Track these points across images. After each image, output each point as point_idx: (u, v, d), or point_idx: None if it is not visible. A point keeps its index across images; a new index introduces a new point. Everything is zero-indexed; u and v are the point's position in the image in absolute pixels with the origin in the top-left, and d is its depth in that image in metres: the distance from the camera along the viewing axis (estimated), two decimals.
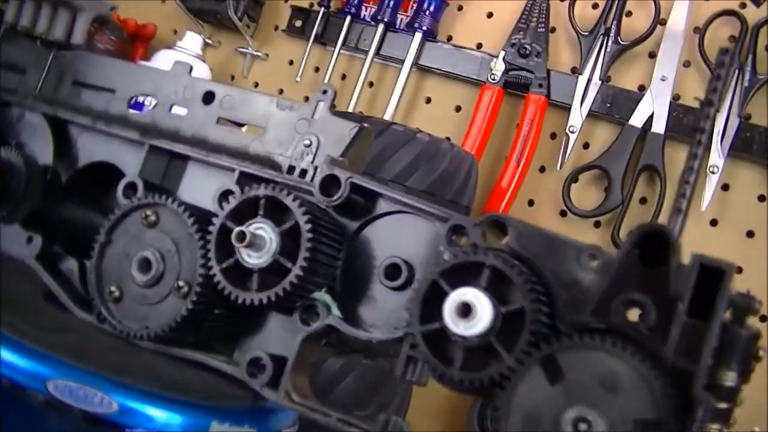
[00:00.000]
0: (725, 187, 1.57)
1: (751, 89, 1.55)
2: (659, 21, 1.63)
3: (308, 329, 0.77)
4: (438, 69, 1.81)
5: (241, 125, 0.94)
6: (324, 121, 0.86)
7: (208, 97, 0.92)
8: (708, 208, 1.54)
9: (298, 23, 1.93)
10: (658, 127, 1.61)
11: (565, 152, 1.66)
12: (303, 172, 0.83)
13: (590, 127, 1.68)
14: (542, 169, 1.73)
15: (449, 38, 1.82)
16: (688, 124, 1.59)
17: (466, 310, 0.68)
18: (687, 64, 1.63)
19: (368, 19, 1.86)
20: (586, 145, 1.69)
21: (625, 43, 1.66)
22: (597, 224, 1.66)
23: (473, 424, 0.77)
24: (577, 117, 1.66)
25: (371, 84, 1.88)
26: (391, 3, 1.81)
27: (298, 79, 1.87)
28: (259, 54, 1.96)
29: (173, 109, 0.94)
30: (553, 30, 1.73)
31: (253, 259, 0.76)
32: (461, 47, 1.79)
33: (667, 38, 1.63)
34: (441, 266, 0.71)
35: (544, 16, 1.69)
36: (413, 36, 1.80)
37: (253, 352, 0.79)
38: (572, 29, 1.70)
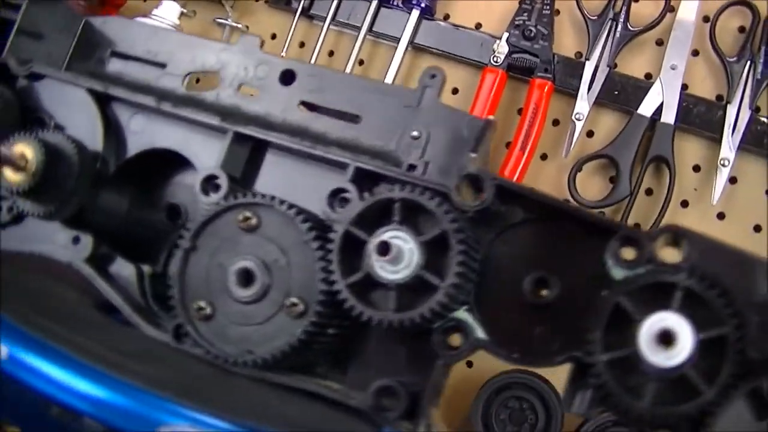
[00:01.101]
0: (733, 180, 1.55)
1: (763, 82, 1.52)
2: (669, 8, 1.58)
3: (452, 353, 0.67)
4: (435, 49, 1.72)
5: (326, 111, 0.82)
6: (433, 111, 0.75)
7: (288, 77, 0.79)
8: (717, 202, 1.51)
9: None
10: (668, 117, 1.56)
11: (571, 140, 1.60)
12: (410, 168, 0.72)
13: (595, 115, 1.62)
14: (544, 157, 1.66)
15: (446, 17, 1.72)
16: (699, 114, 1.56)
17: (666, 338, 0.59)
18: (695, 53, 1.59)
19: None
20: (590, 134, 1.64)
21: (634, 29, 1.60)
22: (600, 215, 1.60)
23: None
24: (584, 104, 1.60)
25: (361, 62, 1.77)
26: None
27: (283, 54, 1.74)
28: (239, 25, 1.81)
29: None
30: (557, 13, 1.66)
31: (389, 273, 0.65)
32: (460, 27, 1.70)
33: (677, 27, 1.58)
34: (625, 286, 0.62)
35: None
36: (410, 13, 1.69)
37: (378, 380, 0.69)
38: (578, 13, 1.63)
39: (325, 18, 1.76)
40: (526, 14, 1.65)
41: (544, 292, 0.70)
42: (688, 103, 1.57)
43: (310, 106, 0.80)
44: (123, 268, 0.80)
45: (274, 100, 0.80)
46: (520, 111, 1.64)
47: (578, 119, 1.60)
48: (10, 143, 0.73)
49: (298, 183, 0.76)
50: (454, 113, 0.75)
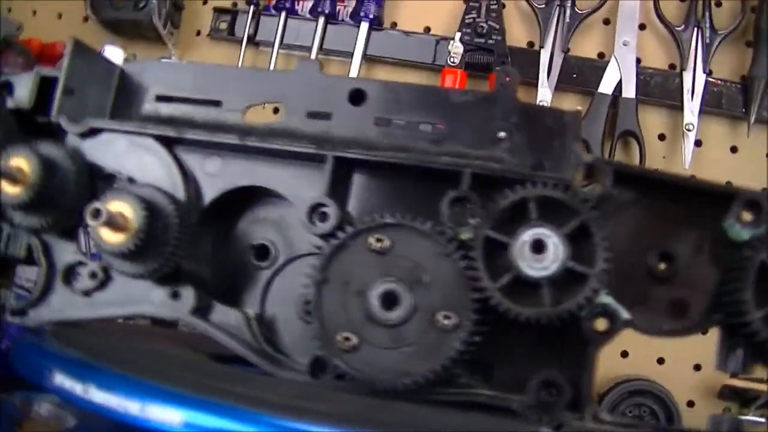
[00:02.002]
0: (698, 143, 1.62)
1: (712, 45, 1.60)
2: None
3: (601, 337, 0.68)
4: (390, 57, 1.73)
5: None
6: (513, 110, 0.76)
7: (357, 96, 0.79)
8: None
9: (223, 26, 1.77)
10: (629, 92, 1.63)
11: None
12: (535, 167, 0.74)
13: (558, 100, 1.67)
14: None
15: (393, 25, 1.73)
16: (656, 85, 1.63)
17: None
18: (643, 27, 1.66)
19: (304, 13, 1.73)
20: None
21: (581, 12, 1.66)
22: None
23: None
24: (545, 91, 1.65)
25: None
26: None
27: None
28: (184, 63, 1.76)
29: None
30: (504, 6, 1.70)
31: (536, 270, 0.66)
32: (411, 33, 1.71)
33: (622, 4, 1.65)
34: (760, 244, 0.65)
35: None
36: (359, 26, 1.69)
37: (538, 374, 0.69)
38: (524, 4, 1.67)
39: (273, 42, 1.73)
40: (474, 12, 1.68)
41: (667, 265, 0.72)
42: (644, 76, 1.64)
43: (386, 121, 0.79)
44: (226, 316, 0.76)
45: (347, 120, 0.79)
46: None
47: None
48: (104, 200, 0.69)
49: (396, 199, 0.76)
50: (536, 109, 0.76)
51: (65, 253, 0.79)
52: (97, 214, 0.69)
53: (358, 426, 0.56)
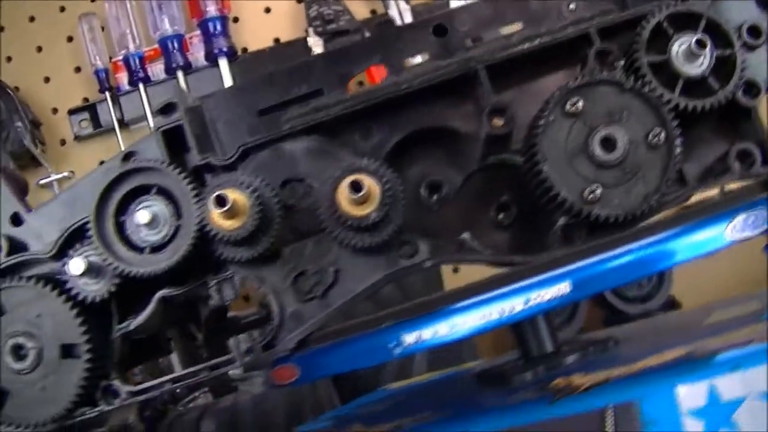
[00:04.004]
0: None
1: None
2: None
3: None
4: None
5: None
6: None
7: (440, 30, 0.86)
8: None
9: (85, 124, 1.71)
10: None
11: None
12: None
13: None
14: None
15: (245, 50, 1.78)
16: None
17: None
18: None
19: (159, 76, 1.73)
20: None
21: None
22: None
23: None
24: None
25: None
26: (175, 46, 1.70)
27: None
28: (65, 174, 1.69)
29: None
30: None
31: (698, 68, 0.79)
32: (266, 50, 1.77)
33: None
34: None
35: None
36: (218, 64, 1.72)
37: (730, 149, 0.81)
38: None
39: (144, 116, 1.71)
40: (315, 4, 1.76)
41: None
42: None
43: (479, 39, 0.86)
44: None
45: (445, 53, 0.85)
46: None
47: None
48: (215, 189, 0.71)
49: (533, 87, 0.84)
50: None
51: (275, 275, 0.79)
52: (222, 201, 0.71)
53: None
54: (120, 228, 0.76)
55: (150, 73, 1.72)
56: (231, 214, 0.73)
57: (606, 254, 0.68)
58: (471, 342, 1.43)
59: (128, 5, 1.71)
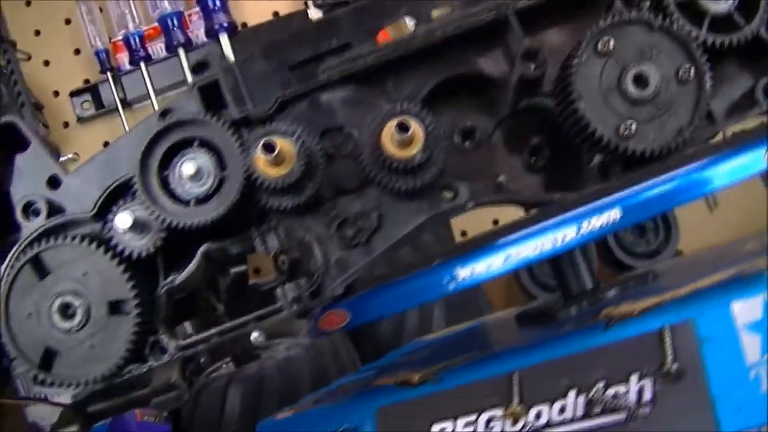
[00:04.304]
0: None
1: None
2: None
3: None
4: None
5: None
6: None
7: None
8: None
9: (87, 105, 1.71)
10: None
11: None
12: None
13: None
14: None
15: (244, 25, 1.77)
16: None
17: None
18: None
19: (160, 55, 1.72)
20: None
21: None
22: None
23: None
24: None
25: None
26: (175, 24, 1.70)
27: None
28: (69, 156, 1.68)
29: None
30: None
31: (722, 4, 0.80)
32: (267, 23, 1.77)
33: None
34: None
35: None
36: (218, 40, 1.72)
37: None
38: None
39: (148, 95, 1.71)
40: None
41: None
42: None
43: None
44: None
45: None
46: None
47: None
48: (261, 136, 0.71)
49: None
50: None
51: (318, 224, 0.80)
52: (270, 147, 0.72)
53: None
54: (164, 182, 0.76)
55: (151, 52, 1.71)
56: (278, 161, 0.73)
57: (653, 180, 0.69)
58: (486, 297, 1.45)
59: None
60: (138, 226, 0.76)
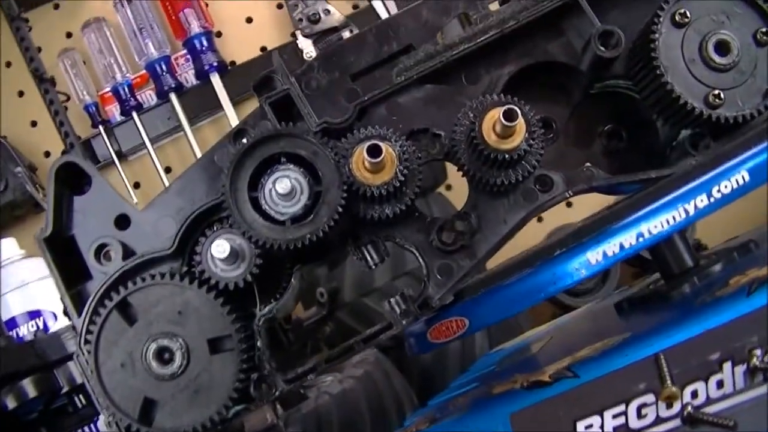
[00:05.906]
0: None
1: None
2: None
3: None
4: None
5: None
6: None
7: None
8: None
9: None
10: None
11: None
12: None
13: None
14: None
15: (233, 63, 1.74)
16: None
17: None
18: None
19: (151, 102, 1.68)
20: None
21: None
22: None
23: None
24: None
25: None
26: (163, 69, 1.66)
27: (135, 201, 1.61)
28: None
29: None
30: None
31: None
32: (254, 60, 1.74)
33: None
34: None
35: None
36: (210, 80, 1.68)
37: None
38: None
39: (143, 145, 1.66)
40: (297, 7, 1.73)
41: None
42: None
43: None
44: None
45: None
46: None
47: None
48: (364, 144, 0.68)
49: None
50: None
51: (415, 232, 0.77)
52: (376, 151, 0.69)
53: None
54: (254, 204, 0.72)
55: (142, 100, 1.67)
56: (379, 167, 0.70)
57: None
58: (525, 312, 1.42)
59: (108, 34, 1.66)
60: (233, 255, 0.72)
